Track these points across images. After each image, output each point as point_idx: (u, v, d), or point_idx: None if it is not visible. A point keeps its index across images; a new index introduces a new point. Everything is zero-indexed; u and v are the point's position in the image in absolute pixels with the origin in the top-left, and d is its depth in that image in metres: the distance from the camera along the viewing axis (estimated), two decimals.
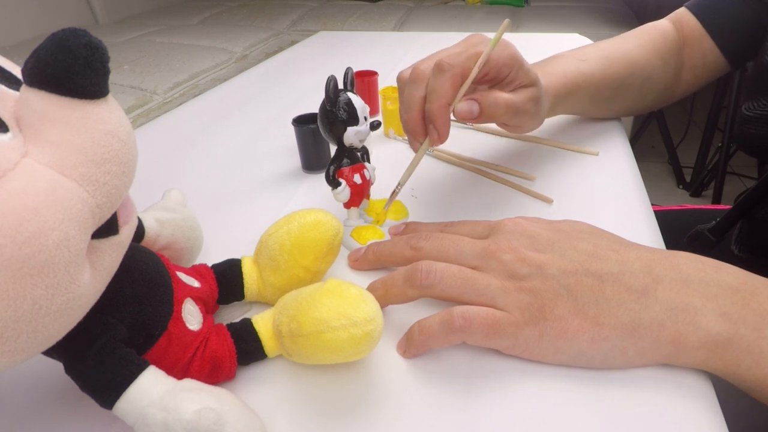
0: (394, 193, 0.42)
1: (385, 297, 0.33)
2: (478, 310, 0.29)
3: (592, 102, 0.55)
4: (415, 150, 0.40)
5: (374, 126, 0.40)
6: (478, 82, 0.39)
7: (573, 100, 0.52)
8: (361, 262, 0.38)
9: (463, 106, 0.37)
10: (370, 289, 0.34)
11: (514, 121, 0.42)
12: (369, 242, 0.40)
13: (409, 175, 0.41)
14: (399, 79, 0.42)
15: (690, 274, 0.29)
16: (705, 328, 0.27)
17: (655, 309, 0.28)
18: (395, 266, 0.37)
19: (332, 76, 0.36)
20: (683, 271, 0.29)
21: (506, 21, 0.38)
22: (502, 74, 0.39)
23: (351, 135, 0.38)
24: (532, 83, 0.41)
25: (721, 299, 0.28)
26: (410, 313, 0.34)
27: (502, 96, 0.39)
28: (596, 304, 0.28)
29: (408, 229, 0.40)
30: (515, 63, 0.39)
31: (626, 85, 0.56)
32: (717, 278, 0.28)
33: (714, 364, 0.27)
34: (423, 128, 0.39)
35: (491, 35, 0.39)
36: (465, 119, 0.38)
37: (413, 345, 0.31)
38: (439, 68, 0.37)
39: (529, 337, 0.29)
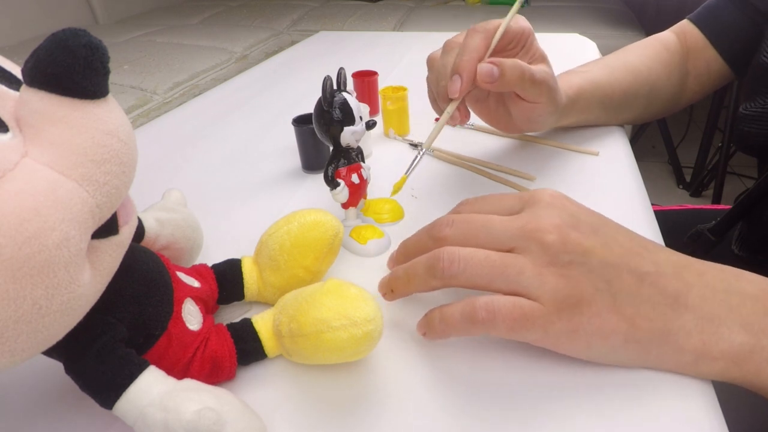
0: (416, 159, 0.41)
1: (407, 287, 0.31)
2: (504, 301, 0.27)
3: (602, 109, 0.55)
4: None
5: (369, 125, 0.40)
6: (497, 52, 0.41)
7: (583, 104, 0.52)
8: (393, 262, 0.36)
9: (484, 67, 0.38)
10: (393, 276, 0.32)
11: (532, 92, 0.42)
12: (369, 241, 0.40)
13: (432, 140, 0.41)
14: (430, 58, 0.44)
15: (715, 283, 0.28)
16: (728, 339, 0.27)
17: (685, 317, 0.27)
18: None
19: (328, 76, 0.36)
20: (708, 280, 0.28)
21: None
22: (520, 43, 0.42)
23: (347, 135, 0.38)
24: (544, 58, 0.43)
25: (743, 309, 0.27)
26: (411, 315, 0.34)
27: (520, 62, 0.40)
28: (633, 303, 0.27)
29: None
30: (530, 33, 0.42)
31: (633, 93, 0.56)
32: (738, 287, 0.28)
33: (732, 374, 0.27)
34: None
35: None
36: (486, 82, 0.39)
37: (433, 331, 0.30)
38: (472, 29, 0.39)
39: (561, 331, 0.27)
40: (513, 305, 0.27)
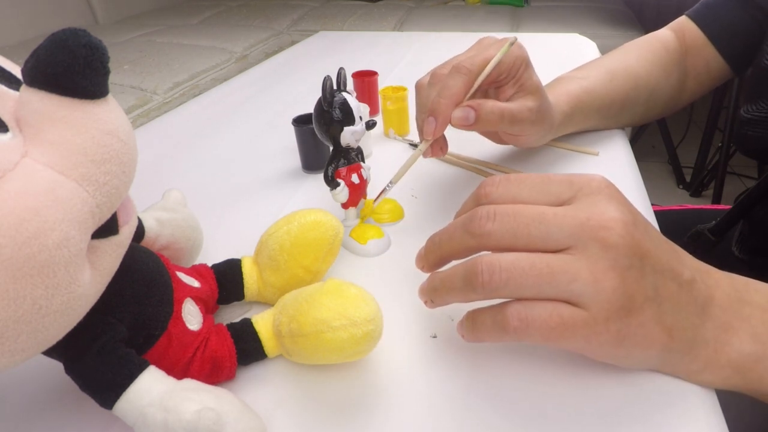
0: (383, 191, 0.40)
1: (446, 298, 0.28)
2: (540, 310, 0.25)
3: (600, 117, 0.55)
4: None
5: (369, 125, 0.40)
6: (487, 83, 0.40)
7: (580, 116, 0.52)
8: (423, 264, 0.31)
9: (458, 112, 0.37)
10: (430, 286, 0.29)
11: (513, 130, 0.42)
12: (369, 241, 0.40)
13: (402, 175, 0.40)
14: (418, 86, 0.43)
15: (730, 291, 0.28)
16: (738, 349, 0.26)
17: (707, 326, 0.26)
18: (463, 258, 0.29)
19: (328, 76, 0.36)
20: (724, 288, 0.28)
21: (513, 38, 0.40)
22: (510, 74, 0.40)
23: (347, 135, 0.38)
24: (534, 90, 0.42)
25: (753, 319, 0.27)
26: (411, 315, 0.34)
27: (498, 104, 0.39)
28: (673, 313, 0.25)
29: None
30: (522, 63, 0.40)
31: (632, 99, 0.56)
32: (748, 297, 0.28)
33: (734, 382, 0.27)
34: None
35: (496, 35, 0.40)
36: (461, 126, 0.38)
37: (468, 337, 0.28)
38: (456, 69, 0.38)
39: (605, 342, 0.25)
40: (550, 314, 0.24)
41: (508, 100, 0.42)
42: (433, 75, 0.40)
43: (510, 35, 0.41)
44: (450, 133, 0.39)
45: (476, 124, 0.38)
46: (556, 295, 0.25)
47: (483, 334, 0.27)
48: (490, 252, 0.26)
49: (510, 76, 0.40)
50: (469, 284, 0.26)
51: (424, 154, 0.40)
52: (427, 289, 0.29)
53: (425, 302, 0.30)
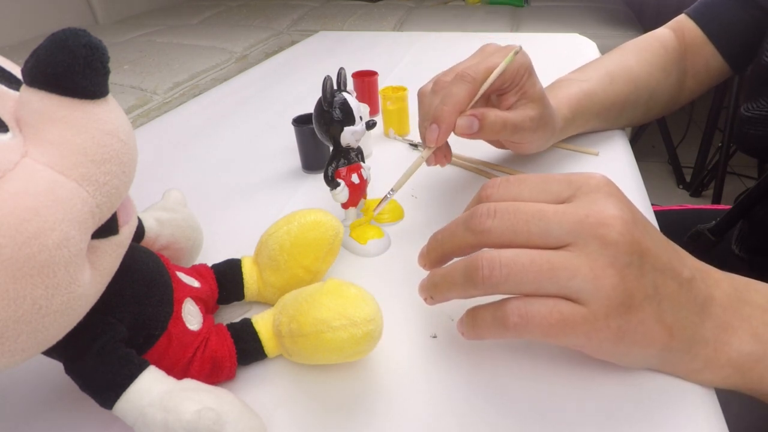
0: (384, 198, 0.40)
1: (446, 294, 0.28)
2: (540, 307, 0.25)
3: (600, 120, 0.55)
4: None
5: (369, 125, 0.40)
6: (489, 91, 0.40)
7: (581, 120, 0.52)
8: (425, 262, 0.31)
9: (462, 121, 0.37)
10: (430, 282, 0.29)
11: (515, 138, 0.42)
12: (369, 241, 0.40)
13: (403, 183, 0.40)
14: (420, 93, 0.43)
15: (730, 291, 0.28)
16: (738, 348, 0.27)
17: (707, 325, 0.27)
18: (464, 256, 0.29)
19: (328, 76, 0.36)
20: (725, 288, 0.28)
21: (518, 47, 0.39)
22: (514, 82, 0.40)
23: (347, 135, 0.38)
24: (537, 98, 0.41)
25: (753, 319, 0.27)
26: (411, 314, 0.34)
27: (501, 114, 0.39)
28: (673, 311, 0.26)
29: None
30: (525, 71, 0.40)
31: (632, 101, 0.56)
32: (748, 297, 0.28)
33: (734, 381, 0.27)
34: None
35: (496, 35, 0.39)
36: (464, 135, 0.38)
37: (468, 334, 0.28)
38: (461, 77, 0.37)
39: (605, 339, 0.25)
40: (550, 310, 0.25)
41: (510, 107, 0.41)
42: (437, 82, 0.40)
43: (510, 35, 0.41)
44: (451, 135, 0.39)
45: (479, 133, 0.38)
46: (556, 292, 0.25)
47: (483, 331, 0.27)
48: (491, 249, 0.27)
49: (513, 84, 0.40)
50: (470, 279, 0.26)
51: (428, 162, 0.40)
52: (428, 285, 0.29)
53: (425, 299, 0.30)
